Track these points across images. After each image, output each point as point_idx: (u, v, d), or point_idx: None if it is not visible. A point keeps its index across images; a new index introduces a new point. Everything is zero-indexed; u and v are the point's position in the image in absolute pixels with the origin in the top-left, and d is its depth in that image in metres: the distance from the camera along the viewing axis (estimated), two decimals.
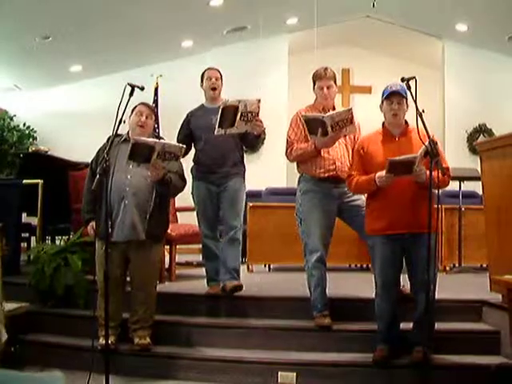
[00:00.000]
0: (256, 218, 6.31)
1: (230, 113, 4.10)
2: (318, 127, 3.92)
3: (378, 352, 3.85)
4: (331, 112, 3.99)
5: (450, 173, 3.61)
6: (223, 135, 4.24)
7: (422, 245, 3.63)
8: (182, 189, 4.27)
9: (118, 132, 3.84)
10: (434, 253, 3.48)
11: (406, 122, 3.85)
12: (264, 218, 6.33)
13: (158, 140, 3.96)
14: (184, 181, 4.27)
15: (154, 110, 4.38)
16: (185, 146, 4.06)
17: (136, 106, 4.16)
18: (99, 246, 4.01)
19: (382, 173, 3.60)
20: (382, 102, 3.81)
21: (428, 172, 3.52)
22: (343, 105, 9.79)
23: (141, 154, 3.81)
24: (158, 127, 8.68)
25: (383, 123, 3.88)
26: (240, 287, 4.47)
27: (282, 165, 9.15)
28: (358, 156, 3.91)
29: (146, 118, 4.16)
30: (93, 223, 4.10)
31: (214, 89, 4.62)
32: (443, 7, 8.50)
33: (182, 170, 4.24)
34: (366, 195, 4.00)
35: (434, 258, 3.50)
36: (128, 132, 4.19)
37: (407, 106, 3.80)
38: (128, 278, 4.23)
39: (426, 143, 3.45)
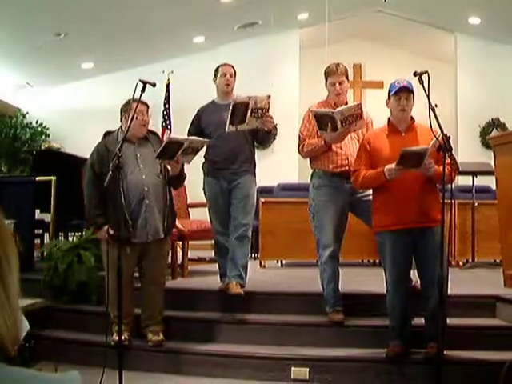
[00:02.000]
0: (268, 213, 6.31)
1: (240, 110, 4.10)
2: (328, 122, 3.92)
3: (391, 348, 3.84)
4: (341, 107, 3.97)
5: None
6: (234, 132, 4.24)
7: (430, 239, 3.63)
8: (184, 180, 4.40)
9: (109, 129, 3.98)
10: (443, 247, 3.47)
11: (412, 118, 3.85)
12: (276, 213, 6.32)
13: (185, 137, 4.02)
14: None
15: (147, 103, 4.20)
16: (207, 139, 4.14)
17: (129, 103, 3.93)
18: (114, 246, 3.81)
19: (392, 165, 3.60)
20: (389, 98, 3.80)
21: (437, 166, 3.53)
22: (355, 100, 9.74)
23: (170, 151, 3.84)
24: (170, 123, 8.72)
25: (389, 118, 3.88)
26: (241, 295, 4.35)
27: (294, 160, 9.14)
28: (363, 151, 3.90)
29: (146, 114, 4.18)
30: (106, 227, 4.00)
31: (227, 85, 4.61)
32: (455, 0, 8.44)
33: None
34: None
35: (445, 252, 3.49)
36: (121, 127, 4.15)
37: (413, 102, 3.79)
38: (136, 274, 4.24)
39: (439, 137, 3.42)
